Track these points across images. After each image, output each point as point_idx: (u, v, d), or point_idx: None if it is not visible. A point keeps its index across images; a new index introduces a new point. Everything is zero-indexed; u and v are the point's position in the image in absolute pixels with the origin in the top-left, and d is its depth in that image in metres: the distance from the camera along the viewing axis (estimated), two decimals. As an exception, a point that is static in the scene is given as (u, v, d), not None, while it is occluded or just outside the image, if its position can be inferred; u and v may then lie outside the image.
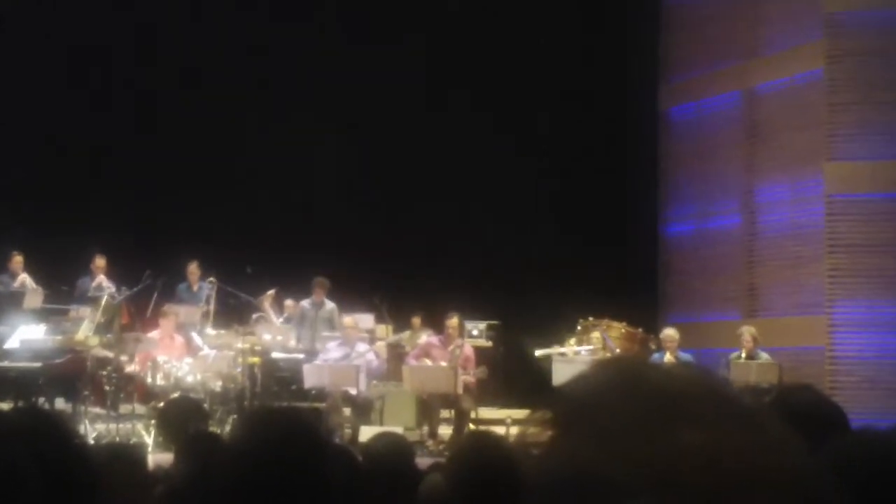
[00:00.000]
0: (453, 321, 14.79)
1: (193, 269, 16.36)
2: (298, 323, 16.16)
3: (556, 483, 0.99)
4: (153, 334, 14.57)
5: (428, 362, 14.67)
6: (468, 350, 14.96)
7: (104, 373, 13.78)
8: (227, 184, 18.31)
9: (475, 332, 16.83)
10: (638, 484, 0.95)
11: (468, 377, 14.48)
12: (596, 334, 15.33)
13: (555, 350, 15.01)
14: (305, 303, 16.24)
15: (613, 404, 1.00)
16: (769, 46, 17.30)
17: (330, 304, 16.12)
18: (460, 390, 14.11)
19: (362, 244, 18.20)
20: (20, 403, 12.24)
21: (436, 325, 16.03)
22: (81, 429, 12.98)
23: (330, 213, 18.63)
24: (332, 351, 14.90)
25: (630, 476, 0.95)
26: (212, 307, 15.99)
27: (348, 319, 15.20)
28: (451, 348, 14.68)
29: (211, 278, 16.16)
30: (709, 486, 0.94)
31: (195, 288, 16.38)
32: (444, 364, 14.44)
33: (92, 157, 18.31)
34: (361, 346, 14.95)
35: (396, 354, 16.17)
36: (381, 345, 15.91)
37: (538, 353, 15.20)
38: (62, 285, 15.71)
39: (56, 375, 13.56)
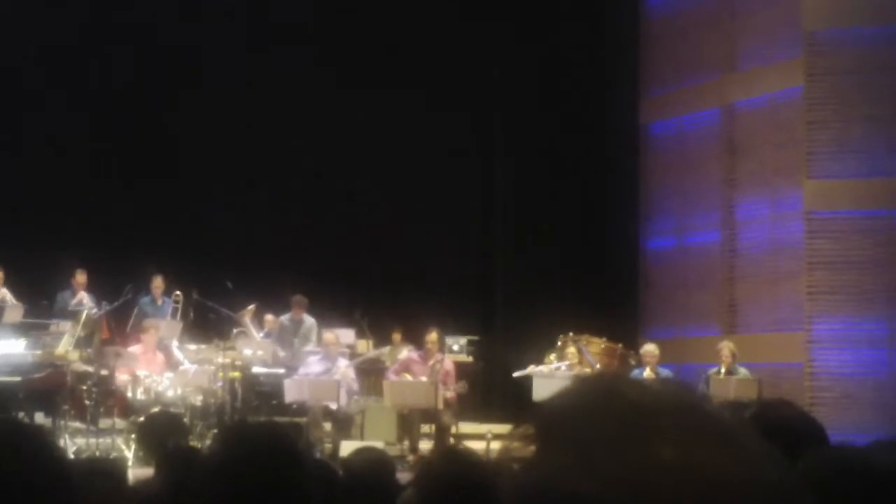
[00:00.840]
0: (432, 336, 14.80)
1: (158, 283, 16.33)
2: (277, 338, 16.16)
3: (533, 499, 1.00)
4: (133, 348, 14.54)
5: (408, 377, 14.67)
6: (448, 365, 14.96)
7: (84, 387, 13.73)
8: (208, 199, 18.28)
9: (455, 347, 16.84)
10: (612, 500, 0.95)
11: (449, 392, 14.48)
12: (575, 349, 15.35)
13: (531, 370, 15.01)
14: (284, 318, 16.24)
15: (591, 420, 1.01)
16: (749, 63, 17.36)
17: (309, 321, 16.11)
18: (441, 405, 14.10)
19: (343, 259, 18.20)
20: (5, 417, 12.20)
21: (416, 340, 16.01)
22: (61, 443, 12.92)
23: (311, 228, 18.62)
24: (313, 365, 14.88)
25: (605, 492, 0.96)
26: (178, 320, 15.93)
27: (329, 335, 15.17)
28: (432, 363, 14.68)
29: (177, 292, 16.13)
30: (683, 501, 0.95)
31: (159, 302, 16.35)
32: (424, 379, 14.43)
33: (72, 170, 18.23)
34: (342, 362, 14.94)
35: (377, 370, 16.16)
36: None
37: (515, 374, 15.20)
38: (41, 300, 15.66)
39: (36, 390, 13.51)
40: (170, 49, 18.36)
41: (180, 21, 18.52)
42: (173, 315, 16.04)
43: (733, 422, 1.02)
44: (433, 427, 14.37)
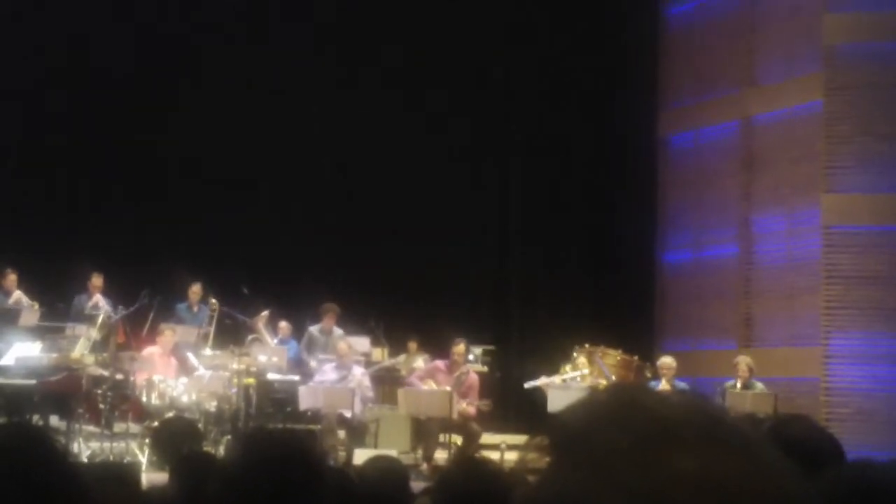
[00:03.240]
0: (459, 348, 14.79)
1: (196, 289, 16.32)
2: (306, 349, 16.08)
3: None
4: (150, 349, 14.55)
5: (433, 385, 14.65)
6: (473, 378, 14.93)
7: (99, 391, 13.76)
8: (223, 204, 18.29)
9: (471, 357, 16.81)
10: None
11: (469, 407, 14.44)
12: (591, 361, 15.33)
13: (542, 381, 14.96)
14: (314, 329, 16.14)
15: (608, 431, 0.99)
16: (768, 77, 17.35)
17: (338, 331, 16.05)
18: (455, 415, 14.06)
19: (359, 267, 18.19)
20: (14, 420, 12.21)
21: (432, 349, 16.01)
22: (76, 447, 12.96)
23: (326, 235, 18.62)
24: (329, 373, 14.88)
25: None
26: (212, 329, 15.95)
27: (343, 344, 15.17)
28: (457, 374, 14.68)
29: (213, 300, 16.13)
30: None
31: (195, 309, 16.36)
32: (447, 388, 14.37)
33: (88, 175, 18.27)
34: (358, 370, 14.94)
35: (392, 378, 16.15)
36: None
37: (527, 385, 15.16)
38: (58, 303, 15.69)
39: (51, 393, 13.52)
40: (178, 51, 18.41)
41: (184, 22, 18.53)
42: (209, 322, 16.06)
43: (753, 434, 1.01)
44: (448, 437, 14.32)
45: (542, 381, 14.94)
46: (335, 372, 14.83)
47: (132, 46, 18.48)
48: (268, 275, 16.90)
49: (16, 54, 17.87)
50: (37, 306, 15.16)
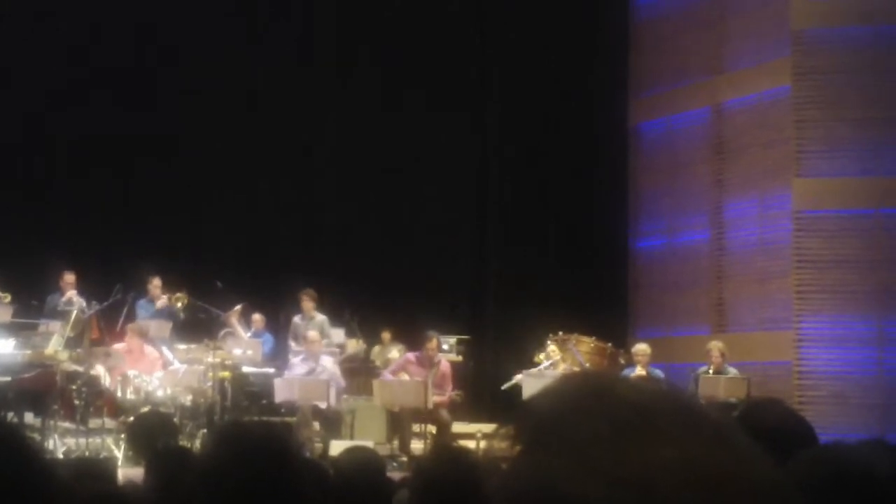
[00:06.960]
0: (433, 343, 14.77)
1: (156, 283, 16.21)
2: (293, 339, 15.97)
3: (525, 500, 0.98)
4: (119, 346, 14.49)
5: (405, 377, 14.65)
6: (445, 367, 14.92)
7: (74, 387, 13.69)
8: (196, 198, 18.25)
9: (445, 347, 16.81)
10: (618, 501, 0.94)
11: (441, 397, 14.44)
12: (565, 349, 15.33)
13: (518, 379, 14.82)
14: (297, 318, 16.07)
15: (582, 419, 0.98)
16: (737, 63, 17.40)
17: (320, 317, 15.99)
18: (431, 405, 14.07)
19: (333, 258, 18.18)
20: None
21: (406, 339, 16.00)
22: (51, 443, 12.91)
23: (299, 228, 18.60)
24: (297, 367, 14.81)
25: (606, 493, 0.94)
26: (167, 321, 15.79)
27: (312, 333, 15.11)
28: (430, 365, 14.72)
29: (177, 294, 16.01)
30: (686, 501, 0.94)
31: (158, 304, 16.24)
32: (419, 380, 14.38)
33: (60, 170, 18.19)
34: (326, 361, 14.88)
35: (367, 369, 16.13)
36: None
37: (504, 386, 15.03)
38: (31, 300, 15.60)
39: (25, 390, 13.45)
40: (163, 48, 18.32)
41: (179, 20, 18.44)
42: (175, 316, 15.93)
43: (724, 421, 1.01)
44: (423, 427, 14.34)
45: (517, 379, 14.81)
46: (303, 365, 14.75)
47: (119, 45, 18.35)
48: (242, 268, 16.85)
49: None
50: (9, 298, 15.02)
